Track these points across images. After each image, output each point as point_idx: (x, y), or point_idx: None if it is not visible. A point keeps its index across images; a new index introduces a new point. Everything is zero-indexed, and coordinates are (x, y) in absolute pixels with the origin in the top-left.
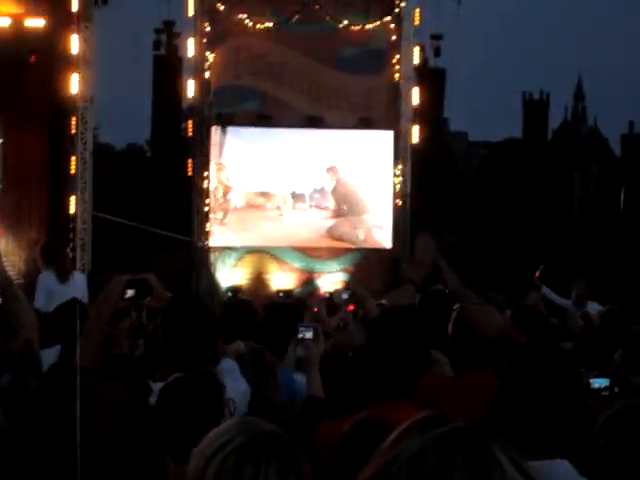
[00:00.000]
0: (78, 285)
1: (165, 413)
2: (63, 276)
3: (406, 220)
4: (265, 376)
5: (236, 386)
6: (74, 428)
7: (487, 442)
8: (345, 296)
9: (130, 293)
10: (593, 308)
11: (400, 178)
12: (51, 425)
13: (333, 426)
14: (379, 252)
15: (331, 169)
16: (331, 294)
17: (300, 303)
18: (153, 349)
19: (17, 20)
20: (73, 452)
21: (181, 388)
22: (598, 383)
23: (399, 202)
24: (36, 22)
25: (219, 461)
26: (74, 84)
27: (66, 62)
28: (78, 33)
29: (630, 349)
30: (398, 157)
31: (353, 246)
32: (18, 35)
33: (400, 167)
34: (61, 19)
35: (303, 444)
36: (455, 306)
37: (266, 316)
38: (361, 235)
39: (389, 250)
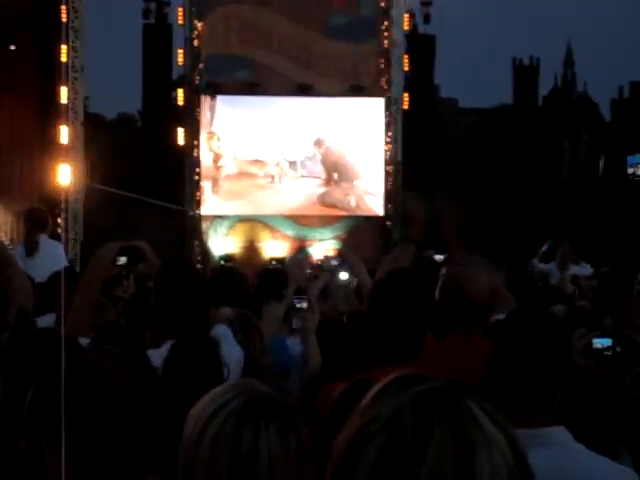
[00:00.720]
0: (44, 256)
1: (171, 382)
2: (29, 249)
3: (397, 187)
4: (253, 340)
5: (230, 352)
6: (85, 400)
7: (463, 399)
8: (335, 263)
9: (122, 260)
10: (583, 269)
11: (391, 145)
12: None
13: (331, 390)
14: (371, 219)
15: (317, 142)
16: (321, 261)
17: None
18: (135, 316)
19: None
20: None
21: (184, 356)
22: (600, 343)
23: (390, 169)
24: None
25: (218, 423)
26: (64, 54)
27: (56, 32)
28: (67, 3)
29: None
30: (389, 124)
31: (345, 213)
32: (7, 5)
33: (391, 134)
34: None
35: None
36: (442, 271)
37: (258, 282)
38: (353, 202)
39: (381, 217)
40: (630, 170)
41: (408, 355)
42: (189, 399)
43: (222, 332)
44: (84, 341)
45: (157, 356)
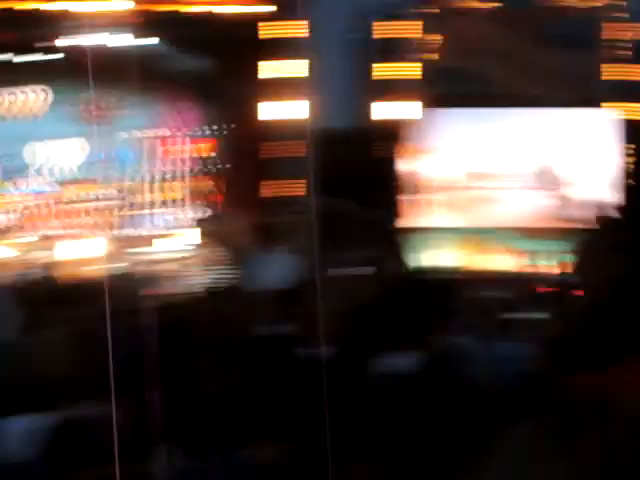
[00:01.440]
0: None
1: None
2: None
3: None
4: None
5: None
6: None
7: None
8: (571, 280)
9: None
10: None
11: (631, 157)
12: None
13: None
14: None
15: (543, 156)
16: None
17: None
18: None
19: (245, 7)
20: None
21: None
22: None
23: (631, 182)
24: (265, 9)
25: None
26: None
27: (295, 49)
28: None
29: None
30: (627, 136)
31: (581, 226)
32: (247, 23)
33: (631, 145)
34: (289, 4)
35: None
36: None
37: None
38: (589, 215)
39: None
40: None
41: None
42: None
43: None
44: None
45: None
